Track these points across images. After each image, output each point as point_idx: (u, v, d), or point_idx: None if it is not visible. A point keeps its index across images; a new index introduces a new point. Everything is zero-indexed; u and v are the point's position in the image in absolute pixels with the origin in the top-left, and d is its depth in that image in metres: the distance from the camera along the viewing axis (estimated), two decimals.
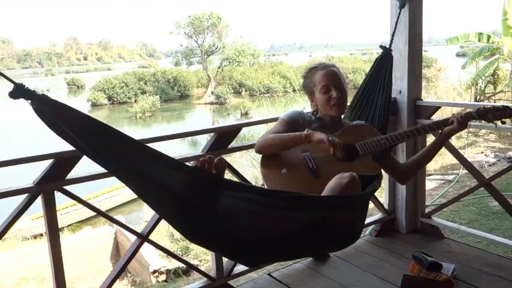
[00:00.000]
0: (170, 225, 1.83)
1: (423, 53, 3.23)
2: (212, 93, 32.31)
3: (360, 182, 1.77)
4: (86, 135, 1.43)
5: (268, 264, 2.74)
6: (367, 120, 2.37)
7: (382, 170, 2.15)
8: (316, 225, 1.69)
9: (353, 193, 1.75)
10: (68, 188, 2.05)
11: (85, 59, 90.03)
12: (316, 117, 2.12)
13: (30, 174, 2.03)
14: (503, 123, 2.06)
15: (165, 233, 7.08)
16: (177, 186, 1.50)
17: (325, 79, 2.06)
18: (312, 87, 2.10)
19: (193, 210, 1.56)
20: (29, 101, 1.36)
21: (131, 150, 1.47)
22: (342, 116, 2.19)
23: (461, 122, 2.01)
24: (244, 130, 2.77)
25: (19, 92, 1.34)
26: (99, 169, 1.91)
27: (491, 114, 2.03)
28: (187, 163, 1.87)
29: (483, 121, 2.10)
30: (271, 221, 1.61)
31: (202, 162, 1.53)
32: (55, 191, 2.00)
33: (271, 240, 1.65)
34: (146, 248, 6.28)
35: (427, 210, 3.23)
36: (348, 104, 2.53)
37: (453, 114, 2.08)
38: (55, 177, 1.99)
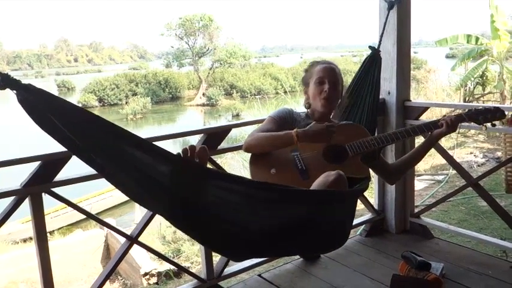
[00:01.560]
0: (165, 219, 1.81)
1: (413, 54, 3.26)
2: (203, 94, 32.26)
3: (346, 181, 1.78)
4: (73, 123, 1.41)
5: (258, 265, 2.74)
6: (355, 120, 2.38)
7: (371, 171, 2.16)
8: (305, 220, 1.69)
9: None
10: (56, 190, 2.04)
11: (75, 60, 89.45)
12: (307, 111, 2.13)
13: (21, 175, 2.01)
14: (494, 125, 2.03)
15: (156, 235, 7.06)
16: (159, 175, 1.49)
17: (322, 72, 2.08)
18: (309, 78, 2.13)
19: (176, 198, 1.55)
20: (15, 92, 1.34)
21: (115, 137, 1.45)
22: (331, 116, 2.20)
23: (451, 125, 2.00)
24: (235, 131, 2.78)
25: (4, 81, 1.32)
26: (88, 171, 1.90)
27: (482, 117, 2.00)
28: None
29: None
30: (257, 214, 1.61)
31: (184, 152, 1.52)
32: (43, 193, 1.98)
33: (258, 233, 1.65)
34: (137, 251, 6.26)
35: (416, 210, 3.25)
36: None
37: (443, 116, 2.07)
38: (43, 179, 1.97)
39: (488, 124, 2.05)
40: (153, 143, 2.19)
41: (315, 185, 1.76)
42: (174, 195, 1.55)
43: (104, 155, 1.51)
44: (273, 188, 1.64)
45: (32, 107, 1.37)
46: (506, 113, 2.25)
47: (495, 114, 2.00)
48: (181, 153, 1.53)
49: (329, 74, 2.08)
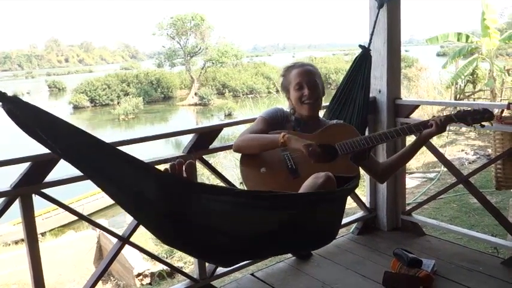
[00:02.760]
0: (148, 231, 1.81)
1: (404, 53, 3.29)
2: (195, 94, 32.21)
3: (335, 182, 1.78)
4: (59, 138, 1.41)
5: (251, 264, 2.74)
6: (346, 119, 2.38)
7: (361, 169, 2.16)
8: (295, 223, 1.70)
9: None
10: (47, 191, 2.02)
11: (66, 61, 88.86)
12: (294, 115, 2.13)
13: (13, 176, 1.99)
14: (483, 126, 2.05)
15: (149, 235, 7.03)
16: (147, 192, 1.49)
17: (299, 77, 2.08)
18: (288, 85, 2.13)
19: (166, 215, 1.54)
20: (1, 104, 1.33)
21: (103, 154, 1.46)
22: (321, 115, 2.20)
23: (440, 125, 2.02)
24: (227, 131, 2.77)
25: None
26: (79, 171, 1.89)
27: (470, 118, 2.03)
28: (160, 166, 1.86)
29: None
30: (248, 222, 1.61)
31: (172, 167, 1.52)
32: (33, 195, 1.97)
33: (250, 240, 1.65)
34: (130, 251, 6.24)
35: (407, 207, 3.27)
36: (328, 103, 2.57)
37: (433, 116, 2.08)
38: (33, 180, 1.95)
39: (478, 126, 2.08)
40: (146, 143, 2.24)
41: (304, 187, 1.76)
42: (164, 211, 1.54)
43: (91, 169, 1.51)
44: (263, 196, 1.64)
45: (19, 119, 1.37)
46: (495, 111, 2.28)
47: (484, 115, 2.03)
48: (169, 168, 1.52)
49: (306, 77, 2.08)
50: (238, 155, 2.06)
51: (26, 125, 1.40)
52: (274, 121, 2.08)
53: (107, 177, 1.51)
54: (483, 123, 2.04)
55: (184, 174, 1.54)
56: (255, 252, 1.79)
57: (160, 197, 1.50)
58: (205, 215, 1.55)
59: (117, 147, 1.52)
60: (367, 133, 3.05)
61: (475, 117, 2.03)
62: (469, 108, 2.08)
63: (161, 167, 1.90)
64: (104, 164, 1.47)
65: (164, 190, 1.49)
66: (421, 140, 2.12)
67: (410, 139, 2.58)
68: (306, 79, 2.07)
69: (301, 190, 1.76)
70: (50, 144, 1.43)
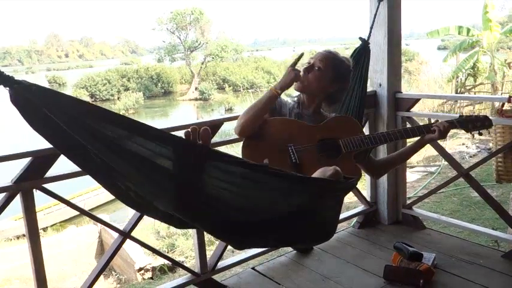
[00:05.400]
0: (169, 211, 1.75)
1: (405, 46, 3.27)
2: (196, 89, 32.21)
3: (342, 176, 1.77)
4: (69, 115, 1.35)
5: (252, 259, 2.75)
6: (342, 112, 2.38)
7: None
8: (305, 209, 1.69)
9: None
10: (48, 186, 2.02)
11: (66, 56, 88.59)
12: (297, 100, 2.11)
13: (13, 172, 1.99)
14: (481, 134, 2.12)
15: (151, 230, 7.08)
16: (161, 160, 1.44)
17: (314, 55, 2.06)
18: None
19: (185, 185, 1.50)
20: (8, 89, 1.31)
21: (113, 123, 1.39)
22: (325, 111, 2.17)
23: (443, 132, 2.05)
24: (228, 125, 2.77)
25: None
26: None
27: (471, 125, 2.08)
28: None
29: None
30: (258, 197, 1.59)
31: (186, 134, 1.46)
32: (34, 190, 1.97)
33: (258, 220, 1.63)
34: (131, 246, 6.26)
35: (408, 201, 3.27)
36: None
37: (436, 121, 2.10)
38: (33, 175, 1.95)
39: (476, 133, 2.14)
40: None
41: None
42: (179, 181, 1.49)
43: (102, 146, 1.43)
44: (281, 174, 1.58)
45: (25, 104, 1.32)
46: (496, 104, 2.29)
47: (484, 122, 2.09)
48: (183, 135, 1.46)
49: (316, 56, 2.05)
50: (240, 150, 2.04)
51: (32, 112, 1.35)
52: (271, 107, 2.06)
53: (120, 150, 1.43)
54: (481, 131, 2.10)
55: (200, 142, 1.48)
56: (262, 235, 1.75)
57: (173, 164, 1.45)
58: (218, 186, 1.51)
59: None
60: (366, 127, 3.06)
61: (475, 124, 2.08)
62: (472, 115, 2.12)
63: None
64: (117, 135, 1.40)
65: (178, 156, 1.44)
66: (422, 144, 2.15)
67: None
68: (314, 58, 2.03)
69: None
70: (59, 125, 1.36)
